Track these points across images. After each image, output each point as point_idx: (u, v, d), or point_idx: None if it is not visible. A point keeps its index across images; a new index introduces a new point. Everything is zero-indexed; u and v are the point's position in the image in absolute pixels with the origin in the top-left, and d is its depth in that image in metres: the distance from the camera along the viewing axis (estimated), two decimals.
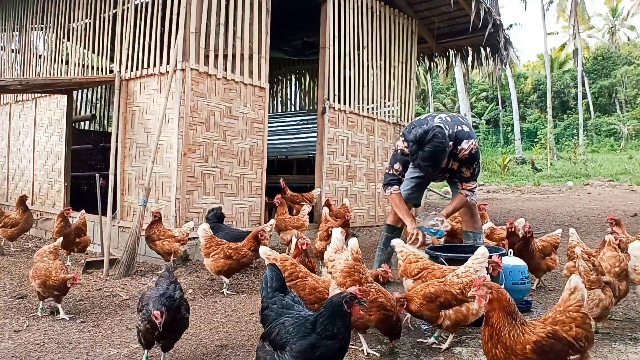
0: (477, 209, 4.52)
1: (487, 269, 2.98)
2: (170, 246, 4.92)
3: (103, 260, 5.01)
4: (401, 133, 4.14)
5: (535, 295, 4.21)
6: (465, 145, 3.86)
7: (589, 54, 40.41)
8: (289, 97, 12.21)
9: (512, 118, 31.32)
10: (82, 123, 10.30)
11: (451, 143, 3.82)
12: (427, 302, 2.87)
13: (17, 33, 8.57)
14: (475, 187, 4.12)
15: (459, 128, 3.91)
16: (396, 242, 3.61)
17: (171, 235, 4.96)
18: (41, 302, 3.65)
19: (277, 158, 9.30)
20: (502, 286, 3.40)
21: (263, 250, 3.24)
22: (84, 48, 7.41)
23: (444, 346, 2.98)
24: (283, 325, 2.15)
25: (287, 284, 3.00)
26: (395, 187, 4.20)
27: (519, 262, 3.77)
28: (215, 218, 5.19)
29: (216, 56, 5.85)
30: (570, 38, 36.31)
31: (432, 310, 2.86)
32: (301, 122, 10.14)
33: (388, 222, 4.68)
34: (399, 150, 4.10)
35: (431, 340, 3.06)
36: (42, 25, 8.04)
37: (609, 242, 3.51)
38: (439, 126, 3.77)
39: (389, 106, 8.58)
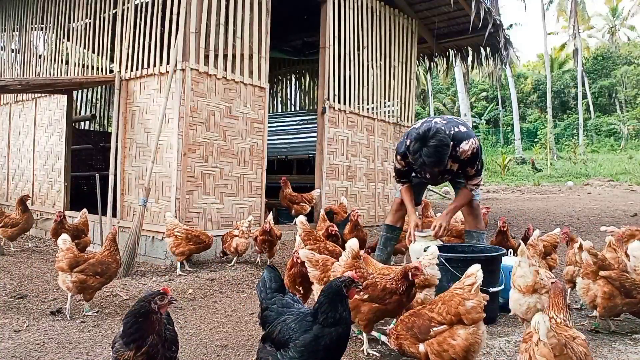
0: (480, 210, 4.53)
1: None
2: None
3: None
4: (395, 147, 4.18)
5: None
6: (465, 146, 3.85)
7: (589, 54, 40.42)
8: (289, 97, 12.20)
9: (512, 118, 31.32)
10: (82, 123, 10.30)
11: (451, 144, 3.82)
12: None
13: (17, 33, 8.57)
14: (481, 181, 4.14)
15: (456, 129, 3.90)
16: None
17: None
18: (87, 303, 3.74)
19: (277, 158, 9.30)
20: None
21: (304, 253, 3.16)
22: (84, 48, 7.41)
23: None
24: (284, 323, 2.15)
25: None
26: (406, 180, 4.30)
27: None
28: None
29: (216, 56, 5.85)
30: (570, 38, 36.32)
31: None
32: (301, 122, 10.13)
33: (387, 223, 4.67)
34: (396, 167, 4.27)
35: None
36: (42, 25, 8.04)
37: (608, 243, 3.56)
38: (440, 127, 3.81)
39: (389, 106, 8.58)
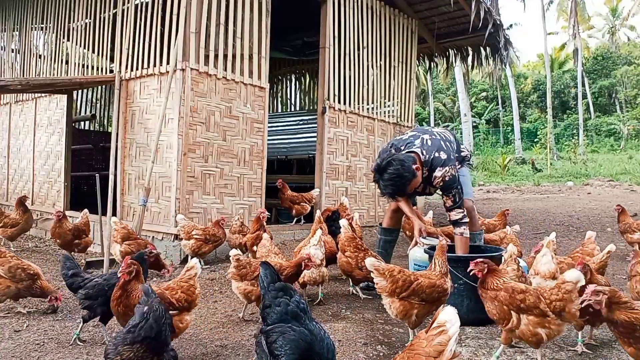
0: (475, 211, 4.53)
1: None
2: None
3: (103, 260, 5.01)
4: None
5: None
6: (438, 173, 3.77)
7: (589, 54, 40.42)
8: (289, 97, 12.20)
9: (512, 118, 31.33)
10: (82, 123, 10.30)
11: (426, 169, 3.82)
12: None
13: (17, 33, 8.57)
14: (464, 215, 3.89)
15: (436, 155, 3.81)
16: None
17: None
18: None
19: (277, 158, 9.30)
20: None
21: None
22: (84, 48, 7.41)
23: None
24: (283, 337, 2.11)
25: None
26: None
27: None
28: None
29: (216, 56, 5.85)
30: (570, 38, 36.27)
31: None
32: (301, 122, 10.13)
33: (384, 226, 4.60)
34: None
35: None
36: (42, 25, 8.05)
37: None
38: (413, 151, 3.79)
39: (389, 106, 8.58)
